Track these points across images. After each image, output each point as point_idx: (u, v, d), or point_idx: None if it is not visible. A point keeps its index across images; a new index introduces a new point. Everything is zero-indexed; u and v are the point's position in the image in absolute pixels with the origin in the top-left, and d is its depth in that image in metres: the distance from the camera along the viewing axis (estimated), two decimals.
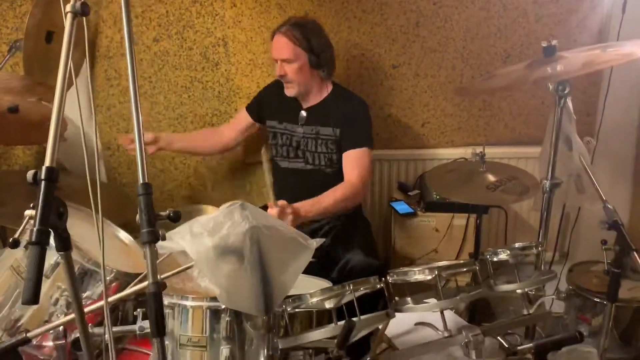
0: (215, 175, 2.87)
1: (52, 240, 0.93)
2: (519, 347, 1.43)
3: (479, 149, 2.22)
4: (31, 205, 0.90)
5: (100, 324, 1.42)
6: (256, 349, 1.43)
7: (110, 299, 1.41)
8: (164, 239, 1.03)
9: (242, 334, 1.41)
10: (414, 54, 2.65)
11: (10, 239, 0.92)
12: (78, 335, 1.15)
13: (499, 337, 1.52)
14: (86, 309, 1.31)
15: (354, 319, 1.36)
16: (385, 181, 2.81)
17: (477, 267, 1.59)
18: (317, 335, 1.39)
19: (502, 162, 2.52)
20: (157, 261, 1.03)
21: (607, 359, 1.92)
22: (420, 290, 1.64)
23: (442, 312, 1.49)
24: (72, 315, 1.26)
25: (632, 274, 2.12)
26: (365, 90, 2.67)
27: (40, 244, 0.87)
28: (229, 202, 1.30)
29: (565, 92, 1.81)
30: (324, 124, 2.31)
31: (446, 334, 1.47)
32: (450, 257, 2.51)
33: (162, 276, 1.31)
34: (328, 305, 1.39)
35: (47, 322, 1.57)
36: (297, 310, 1.44)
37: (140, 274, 1.54)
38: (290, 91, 2.30)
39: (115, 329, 1.48)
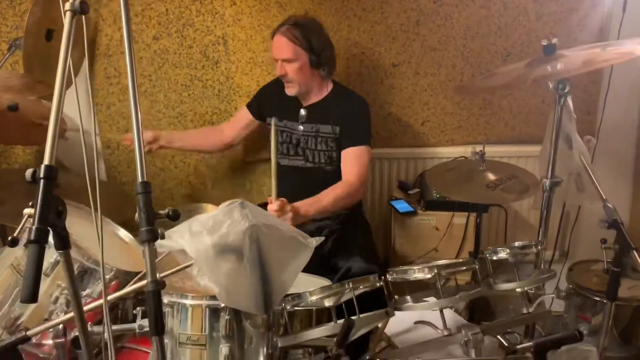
0: (215, 173, 2.87)
1: (52, 239, 0.93)
2: (518, 346, 1.43)
3: (479, 148, 2.22)
4: (30, 203, 0.90)
5: (99, 322, 1.42)
6: (256, 348, 1.43)
7: (109, 298, 1.41)
8: (163, 237, 1.03)
9: (241, 332, 1.41)
10: (414, 53, 2.65)
11: (9, 238, 0.92)
12: (78, 333, 1.15)
13: (498, 336, 1.52)
14: (85, 308, 1.31)
15: (354, 317, 1.36)
16: (385, 180, 2.81)
17: (477, 266, 1.59)
18: (317, 333, 1.39)
19: (502, 160, 2.52)
20: (157, 260, 1.03)
21: (606, 358, 1.93)
22: (419, 289, 1.64)
23: (441, 311, 1.49)
24: (72, 314, 1.26)
25: (632, 272, 2.12)
26: (365, 88, 2.67)
27: (39, 242, 0.87)
28: (229, 201, 1.30)
29: (566, 90, 1.81)
30: (323, 122, 2.31)
31: (445, 333, 1.47)
32: (451, 256, 2.51)
33: (161, 275, 1.31)
34: (327, 303, 1.39)
35: (47, 320, 1.57)
36: (296, 308, 1.44)
37: (139, 272, 1.54)
38: (290, 90, 2.30)
39: (114, 327, 1.48)
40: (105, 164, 2.84)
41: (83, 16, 1.04)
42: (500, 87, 2.44)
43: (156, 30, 2.63)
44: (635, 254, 1.66)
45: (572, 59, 1.82)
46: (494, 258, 1.63)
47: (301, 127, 2.36)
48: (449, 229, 2.51)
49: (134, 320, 1.47)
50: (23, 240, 0.91)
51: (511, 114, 2.73)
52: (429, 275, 1.50)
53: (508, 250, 1.61)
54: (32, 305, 1.59)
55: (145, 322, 1.44)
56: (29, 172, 0.92)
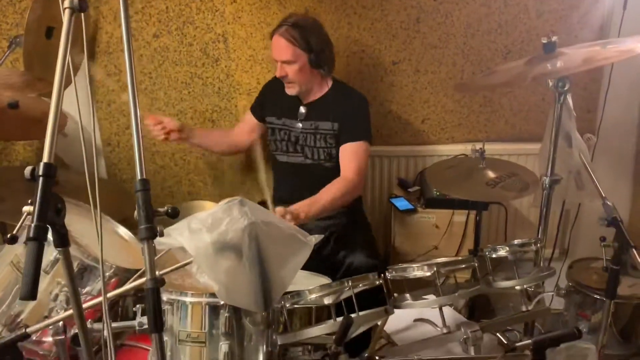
0: (215, 171, 2.87)
1: (51, 236, 0.93)
2: (517, 344, 1.43)
3: (479, 145, 2.22)
4: (29, 201, 0.90)
5: (99, 319, 1.42)
6: (255, 345, 1.43)
7: (109, 295, 1.41)
8: (162, 235, 1.03)
9: (241, 329, 1.42)
10: (414, 50, 2.65)
11: (8, 235, 0.92)
12: (77, 330, 1.15)
13: (497, 334, 1.52)
14: (85, 305, 1.31)
15: (353, 315, 1.36)
16: (385, 177, 2.81)
17: (476, 264, 1.59)
18: (316, 331, 1.39)
19: (502, 158, 2.52)
20: (156, 257, 1.03)
21: (606, 356, 1.93)
22: (419, 287, 1.64)
23: (440, 309, 1.49)
24: (72, 311, 1.26)
25: (633, 270, 2.12)
26: (365, 86, 2.67)
27: (38, 240, 0.87)
28: (228, 198, 1.30)
29: (565, 88, 1.81)
30: (323, 119, 2.32)
31: (445, 330, 1.48)
32: (451, 254, 2.51)
33: (160, 272, 1.31)
34: (327, 301, 1.40)
35: (46, 317, 1.58)
36: (296, 306, 1.44)
37: (139, 269, 1.54)
38: (291, 91, 2.31)
39: (114, 324, 1.49)
40: (105, 161, 2.85)
41: (82, 14, 1.04)
42: (500, 85, 2.43)
43: (156, 27, 2.63)
44: (634, 252, 1.66)
45: (572, 57, 1.81)
46: (494, 256, 1.63)
47: (300, 125, 2.36)
48: (449, 227, 2.51)
49: (133, 318, 1.47)
50: (23, 237, 0.91)
51: (511, 111, 2.73)
52: (428, 273, 1.50)
53: (507, 248, 1.61)
54: (32, 303, 1.59)
55: (145, 320, 1.44)
56: (28, 170, 0.92)
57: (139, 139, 1.05)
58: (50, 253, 1.58)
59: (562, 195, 2.00)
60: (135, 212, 1.01)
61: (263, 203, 1.74)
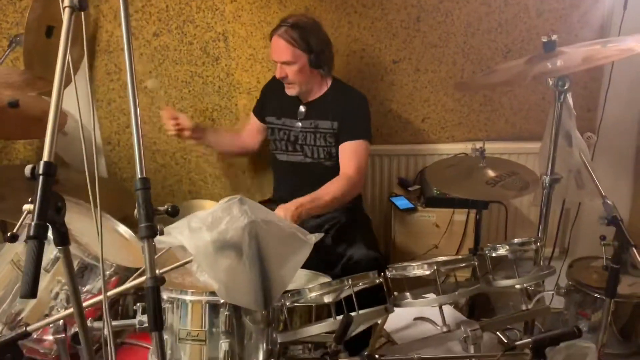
0: (215, 170, 2.87)
1: (52, 235, 0.93)
2: (517, 343, 1.43)
3: (479, 144, 2.22)
4: (29, 199, 0.90)
5: (100, 318, 1.43)
6: (255, 343, 1.43)
7: (109, 293, 1.41)
8: (162, 233, 1.03)
9: (241, 328, 1.42)
10: (414, 49, 2.65)
11: (9, 233, 0.92)
12: (78, 329, 1.16)
13: (497, 332, 1.52)
14: (85, 303, 1.31)
15: (353, 313, 1.36)
16: (386, 176, 2.81)
17: (476, 263, 1.59)
18: (316, 329, 1.39)
19: (502, 157, 2.52)
20: (156, 256, 1.03)
21: (606, 355, 1.93)
22: (419, 285, 1.64)
23: (440, 307, 1.49)
24: (72, 310, 1.27)
25: (633, 269, 2.12)
26: (365, 85, 2.67)
27: (38, 238, 0.87)
28: (228, 197, 1.30)
29: (565, 87, 1.81)
30: (322, 118, 2.32)
31: (445, 329, 1.47)
32: (451, 253, 2.51)
33: (160, 271, 1.31)
34: (327, 299, 1.39)
35: (47, 316, 1.58)
36: (296, 304, 1.44)
37: (139, 268, 1.54)
38: (291, 91, 2.31)
39: (114, 323, 1.49)
40: (105, 160, 2.85)
41: (82, 12, 1.04)
42: (500, 84, 2.43)
43: (156, 26, 2.63)
44: (635, 251, 1.66)
45: (571, 56, 1.81)
46: (494, 255, 1.63)
47: (299, 124, 2.36)
48: (449, 226, 2.51)
49: (134, 316, 1.48)
50: (23, 236, 0.91)
51: (511, 110, 2.73)
52: (428, 272, 1.50)
53: (507, 247, 1.61)
54: (33, 301, 1.59)
55: (145, 318, 1.44)
56: (28, 169, 0.92)
57: (139, 138, 1.05)
58: (51, 251, 1.58)
59: (562, 194, 2.00)
60: (136, 211, 1.01)
61: (264, 202, 1.75)
